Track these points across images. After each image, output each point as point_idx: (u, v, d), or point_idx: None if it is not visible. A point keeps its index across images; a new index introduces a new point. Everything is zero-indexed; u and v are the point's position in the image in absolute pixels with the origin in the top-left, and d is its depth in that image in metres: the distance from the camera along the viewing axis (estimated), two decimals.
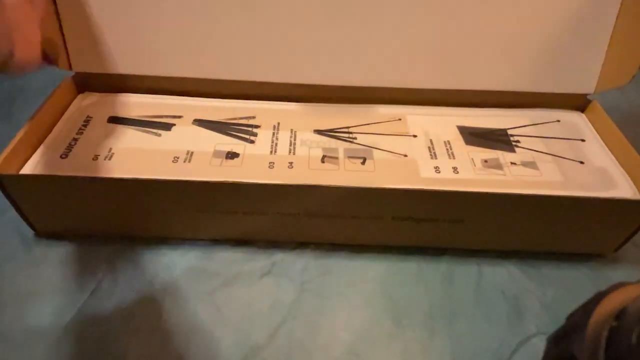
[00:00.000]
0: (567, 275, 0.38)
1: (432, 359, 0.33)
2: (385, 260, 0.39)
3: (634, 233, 0.37)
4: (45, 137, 0.38)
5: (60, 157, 0.36)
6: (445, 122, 0.41)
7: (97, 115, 0.40)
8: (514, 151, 0.38)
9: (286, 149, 0.37)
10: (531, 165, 0.37)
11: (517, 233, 0.38)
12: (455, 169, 0.36)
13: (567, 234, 0.38)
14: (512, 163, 0.37)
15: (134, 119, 0.40)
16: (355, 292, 0.37)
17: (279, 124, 0.40)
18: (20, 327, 0.33)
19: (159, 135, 0.38)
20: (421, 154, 0.38)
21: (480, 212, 0.36)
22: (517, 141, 0.39)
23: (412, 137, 0.39)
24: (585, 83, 0.43)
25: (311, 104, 0.42)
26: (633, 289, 0.23)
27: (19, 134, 0.35)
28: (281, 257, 0.38)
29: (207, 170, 0.35)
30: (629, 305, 0.21)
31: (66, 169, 0.35)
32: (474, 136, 0.40)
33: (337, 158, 0.37)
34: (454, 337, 0.34)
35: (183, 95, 0.42)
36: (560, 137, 0.40)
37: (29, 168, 0.35)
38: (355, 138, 0.39)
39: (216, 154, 0.37)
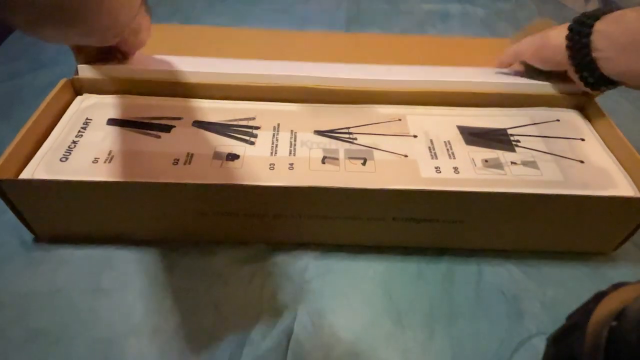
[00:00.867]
0: (567, 275, 0.38)
1: (432, 359, 0.33)
2: (386, 260, 0.39)
3: (634, 232, 0.37)
4: (45, 139, 0.37)
5: (60, 160, 0.36)
6: (445, 122, 0.41)
7: (96, 117, 0.40)
8: (514, 151, 0.38)
9: (286, 150, 0.37)
10: (531, 164, 0.37)
11: (517, 233, 0.38)
12: (455, 169, 0.36)
13: (567, 233, 0.38)
14: (512, 163, 0.37)
15: (133, 121, 0.40)
16: (355, 292, 0.37)
17: (279, 124, 0.40)
18: (20, 327, 0.33)
19: (159, 137, 0.38)
20: (422, 154, 0.38)
21: (481, 212, 0.36)
22: (517, 141, 0.39)
23: (412, 138, 0.39)
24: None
25: (311, 105, 0.42)
26: (633, 289, 0.23)
27: (18, 137, 0.35)
28: (281, 258, 0.38)
29: (207, 173, 0.35)
30: (629, 305, 0.21)
31: (66, 173, 0.35)
32: (474, 136, 0.40)
33: (337, 159, 0.37)
34: (454, 337, 0.34)
35: (183, 97, 0.42)
36: (560, 136, 0.40)
37: (29, 172, 0.35)
38: (356, 139, 0.39)
39: (216, 155, 0.37)
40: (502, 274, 0.38)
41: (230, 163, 0.36)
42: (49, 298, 0.35)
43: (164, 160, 0.36)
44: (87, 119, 0.40)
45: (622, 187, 0.36)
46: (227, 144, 0.38)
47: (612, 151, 0.39)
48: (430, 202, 0.35)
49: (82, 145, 0.37)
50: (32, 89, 0.52)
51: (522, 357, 0.33)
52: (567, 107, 0.44)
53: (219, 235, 0.39)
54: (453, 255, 0.39)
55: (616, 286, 0.24)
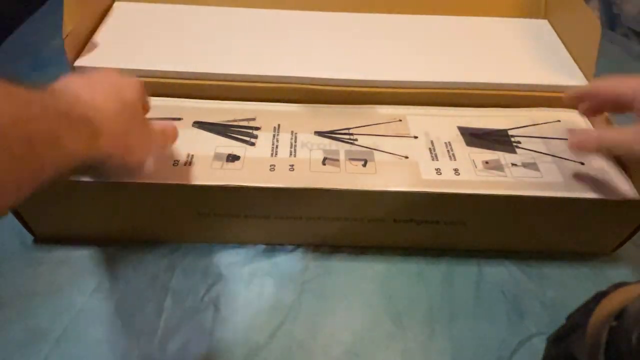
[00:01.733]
0: (567, 275, 0.39)
1: (432, 359, 0.33)
2: (386, 261, 0.39)
3: (634, 233, 0.37)
4: None
5: None
6: (445, 123, 0.41)
7: None
8: (514, 152, 0.38)
9: (287, 151, 0.37)
10: (532, 166, 0.37)
11: (517, 233, 0.38)
12: (456, 171, 0.36)
13: (568, 234, 0.38)
14: (512, 164, 0.37)
15: None
16: (355, 293, 0.37)
17: (279, 125, 0.40)
18: (20, 327, 0.33)
19: None
20: (422, 155, 0.38)
21: (482, 214, 0.36)
22: (518, 142, 0.39)
23: (412, 139, 0.39)
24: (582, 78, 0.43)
25: (311, 105, 0.42)
26: (633, 289, 0.23)
27: None
28: (282, 258, 0.38)
29: (208, 174, 0.35)
30: (629, 305, 0.21)
31: None
32: (475, 137, 0.40)
33: (338, 160, 0.37)
34: (454, 337, 0.34)
35: (183, 98, 0.42)
36: (561, 137, 0.40)
37: None
38: (356, 140, 0.39)
39: (217, 156, 0.37)
40: (502, 274, 0.38)
41: (231, 164, 0.36)
42: (49, 298, 0.35)
43: (164, 161, 0.36)
44: None
45: (622, 188, 0.36)
46: (228, 145, 0.38)
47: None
48: (431, 205, 0.35)
49: None
50: None
51: (522, 357, 0.33)
52: (568, 107, 0.44)
53: (219, 235, 0.39)
54: (453, 255, 0.39)
55: (616, 286, 0.24)
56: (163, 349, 0.33)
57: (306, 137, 0.39)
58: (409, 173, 0.36)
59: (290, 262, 0.38)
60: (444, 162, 0.37)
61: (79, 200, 0.35)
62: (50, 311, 0.34)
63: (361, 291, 0.37)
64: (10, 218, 0.36)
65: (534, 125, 0.41)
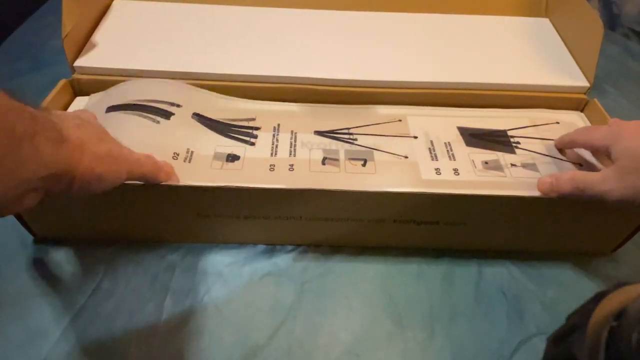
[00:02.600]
0: (567, 275, 0.39)
1: (432, 359, 0.33)
2: (385, 261, 0.39)
3: (634, 233, 0.37)
4: None
5: None
6: (445, 123, 0.41)
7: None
8: (514, 152, 0.38)
9: (287, 151, 0.37)
10: (531, 167, 0.37)
11: (517, 234, 0.38)
12: (455, 171, 0.36)
13: (567, 234, 0.38)
14: (512, 164, 0.37)
15: (132, 104, 0.38)
16: (355, 293, 0.37)
17: (279, 125, 0.40)
18: (20, 327, 0.33)
19: (158, 122, 0.37)
20: (422, 155, 0.38)
21: (482, 215, 0.36)
22: (517, 142, 0.39)
23: (412, 138, 0.39)
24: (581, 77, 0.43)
25: (311, 105, 0.42)
26: (633, 289, 0.23)
27: None
28: (282, 258, 0.38)
29: (207, 173, 0.35)
30: (629, 305, 0.21)
31: None
32: (474, 137, 0.40)
33: (337, 160, 0.37)
34: (454, 337, 0.34)
35: None
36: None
37: None
38: (356, 139, 0.39)
39: (217, 156, 0.36)
40: (502, 274, 0.38)
41: (231, 164, 0.36)
42: (49, 298, 0.35)
43: (164, 153, 0.35)
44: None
45: None
46: (228, 145, 0.38)
47: None
48: (431, 205, 0.35)
49: None
50: (32, 89, 0.52)
51: (522, 357, 0.33)
52: (568, 108, 0.44)
53: (219, 235, 0.39)
54: (453, 255, 0.39)
55: (616, 286, 0.24)
56: (163, 349, 0.33)
57: (306, 137, 0.39)
58: (409, 173, 0.36)
59: (290, 262, 0.38)
60: (444, 162, 0.37)
61: (79, 200, 0.35)
62: (50, 311, 0.34)
63: (361, 291, 0.37)
64: (10, 218, 0.36)
65: (534, 126, 0.41)
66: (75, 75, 0.42)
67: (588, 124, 0.42)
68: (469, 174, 0.36)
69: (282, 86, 0.42)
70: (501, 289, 0.37)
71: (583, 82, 0.43)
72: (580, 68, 0.44)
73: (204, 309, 0.35)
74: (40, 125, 0.23)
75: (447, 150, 0.38)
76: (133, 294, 0.35)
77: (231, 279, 0.37)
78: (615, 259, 0.40)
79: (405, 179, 0.36)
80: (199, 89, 0.42)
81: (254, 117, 0.41)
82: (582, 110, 0.44)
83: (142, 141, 0.35)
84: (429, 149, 0.38)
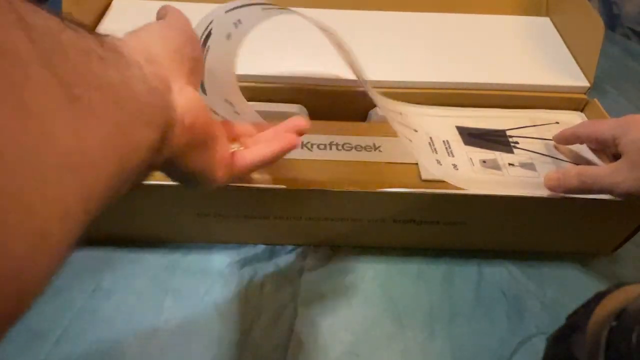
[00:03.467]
0: (567, 275, 0.39)
1: (432, 359, 0.33)
2: (386, 261, 0.39)
3: (633, 233, 0.37)
4: None
5: None
6: (444, 122, 0.41)
7: None
8: (512, 152, 0.38)
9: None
10: (529, 166, 0.37)
11: (517, 234, 0.38)
12: (455, 166, 0.36)
13: (567, 234, 0.38)
14: (510, 164, 0.37)
15: None
16: (355, 292, 0.37)
17: None
18: (21, 327, 0.33)
19: None
20: (421, 155, 0.38)
21: (482, 215, 0.36)
22: (516, 142, 0.39)
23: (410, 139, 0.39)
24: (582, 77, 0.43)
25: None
26: (633, 289, 0.23)
27: None
28: (282, 258, 0.38)
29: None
30: (629, 305, 0.21)
31: None
32: (473, 137, 0.40)
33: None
34: (454, 337, 0.34)
35: None
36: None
37: None
38: None
39: None
40: (502, 274, 0.38)
41: None
42: (49, 298, 0.35)
43: None
44: None
45: None
46: None
47: None
48: (430, 205, 0.35)
49: None
50: None
51: (522, 357, 0.33)
52: (568, 108, 0.44)
53: (219, 235, 0.39)
54: (453, 255, 0.39)
55: (616, 286, 0.24)
56: (163, 349, 0.33)
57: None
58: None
59: (290, 262, 0.38)
60: (442, 160, 0.37)
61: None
62: (50, 311, 0.34)
63: (361, 291, 0.37)
64: None
65: (533, 126, 0.41)
66: None
67: None
68: (468, 173, 0.36)
69: (283, 86, 0.42)
70: (501, 289, 0.37)
71: (583, 82, 0.43)
72: (581, 68, 0.44)
73: (204, 309, 0.35)
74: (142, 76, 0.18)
75: (446, 148, 0.38)
76: (133, 294, 0.35)
77: (231, 279, 0.37)
78: (615, 259, 0.40)
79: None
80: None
81: None
82: (582, 110, 0.44)
83: None
84: (428, 148, 0.38)
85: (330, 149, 0.37)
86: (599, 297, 0.23)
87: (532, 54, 0.46)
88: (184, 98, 0.20)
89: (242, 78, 0.42)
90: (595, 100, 0.42)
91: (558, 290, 0.37)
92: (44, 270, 0.13)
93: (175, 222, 0.37)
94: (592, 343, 0.21)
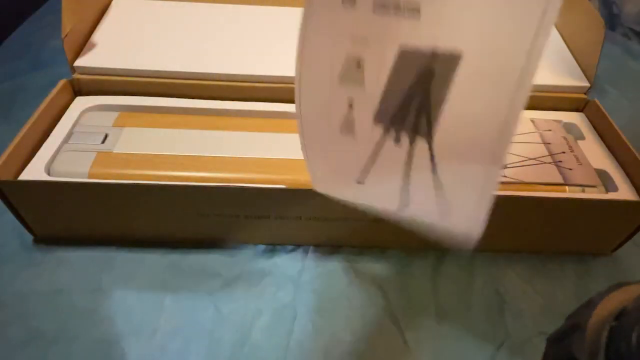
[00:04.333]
0: (567, 275, 0.39)
1: (432, 358, 0.33)
2: (386, 261, 0.39)
3: (634, 233, 0.37)
4: (44, 140, 0.37)
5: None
6: None
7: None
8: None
9: None
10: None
11: (517, 234, 0.38)
12: None
13: (567, 234, 0.38)
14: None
15: None
16: (355, 292, 0.37)
17: None
18: (20, 327, 0.33)
19: None
20: None
21: None
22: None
23: None
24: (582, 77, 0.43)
25: None
26: (633, 289, 0.23)
27: (17, 138, 0.35)
28: (282, 258, 0.38)
29: None
30: (629, 305, 0.21)
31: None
32: None
33: None
34: (453, 337, 0.34)
35: (185, 98, 0.42)
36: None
37: (28, 173, 0.35)
38: None
39: None
40: (502, 274, 0.38)
41: None
42: (49, 298, 0.35)
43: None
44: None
45: (622, 189, 0.36)
46: None
47: (612, 152, 0.39)
48: None
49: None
50: (32, 89, 0.52)
51: (522, 357, 0.33)
52: (568, 107, 0.44)
53: (220, 235, 0.39)
54: (453, 255, 0.39)
55: (616, 286, 0.24)
56: (163, 349, 0.33)
57: None
58: None
59: (290, 262, 0.38)
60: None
61: (79, 200, 0.35)
62: (50, 311, 0.34)
63: (361, 291, 0.37)
64: (10, 218, 0.36)
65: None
66: (75, 75, 0.42)
67: (588, 123, 0.42)
68: None
69: (284, 86, 0.42)
70: (501, 289, 0.37)
71: (583, 82, 0.43)
72: (581, 68, 0.44)
73: (204, 309, 0.35)
74: None
75: None
76: (133, 294, 0.35)
77: (231, 279, 0.37)
78: (616, 259, 0.40)
79: None
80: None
81: None
82: (582, 111, 0.44)
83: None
84: None
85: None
86: (599, 297, 0.23)
87: None
88: None
89: (241, 78, 0.42)
90: (596, 100, 0.42)
91: (558, 290, 0.37)
92: None
93: (175, 222, 0.37)
94: (592, 343, 0.21)
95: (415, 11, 0.20)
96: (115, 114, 0.40)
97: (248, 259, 0.38)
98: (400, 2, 0.20)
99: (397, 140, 0.23)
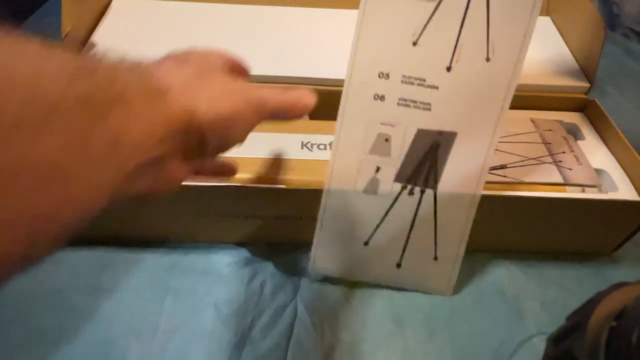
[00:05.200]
0: (567, 275, 0.38)
1: (432, 359, 0.33)
2: None
3: (634, 233, 0.37)
4: None
5: None
6: None
7: None
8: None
9: None
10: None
11: (517, 233, 0.38)
12: None
13: (567, 234, 0.38)
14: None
15: None
16: (355, 292, 0.37)
17: None
18: (20, 327, 0.33)
19: None
20: None
21: (481, 214, 0.36)
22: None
23: None
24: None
25: None
26: (633, 289, 0.23)
27: None
28: (282, 258, 0.38)
29: None
30: (629, 305, 0.21)
31: None
32: None
33: None
34: (453, 337, 0.34)
35: None
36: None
37: None
38: None
39: None
40: (502, 274, 0.38)
41: None
42: (49, 298, 0.35)
43: None
44: None
45: (622, 189, 0.36)
46: None
47: (612, 152, 0.39)
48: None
49: None
50: None
51: (522, 357, 0.33)
52: (568, 108, 0.44)
53: (219, 235, 0.38)
54: None
55: (616, 286, 0.24)
56: (163, 349, 0.33)
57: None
58: None
59: (290, 262, 0.38)
60: None
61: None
62: (50, 311, 0.34)
63: (361, 291, 0.37)
64: None
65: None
66: None
67: (588, 123, 0.42)
68: None
69: (284, 86, 0.42)
70: (501, 289, 0.37)
71: (583, 82, 0.43)
72: (581, 68, 0.44)
73: (204, 309, 0.35)
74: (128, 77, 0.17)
75: None
76: (133, 294, 0.35)
77: (231, 279, 0.37)
78: (616, 259, 0.40)
79: None
80: None
81: None
82: (582, 111, 0.44)
83: None
84: None
85: (331, 149, 0.37)
86: (599, 297, 0.23)
87: (533, 53, 0.46)
88: None
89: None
90: (596, 100, 0.42)
91: (558, 290, 0.37)
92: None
93: (175, 222, 0.37)
94: (592, 343, 0.21)
95: (428, 105, 0.31)
96: None
97: (248, 259, 0.38)
98: (417, 100, 0.31)
99: (411, 193, 0.33)
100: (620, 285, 0.23)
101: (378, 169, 0.32)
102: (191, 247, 0.39)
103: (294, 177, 0.35)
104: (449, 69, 0.30)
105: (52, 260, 0.38)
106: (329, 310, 0.35)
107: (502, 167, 0.37)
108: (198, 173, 0.25)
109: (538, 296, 0.37)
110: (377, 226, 0.33)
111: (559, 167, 0.37)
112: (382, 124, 0.31)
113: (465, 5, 0.29)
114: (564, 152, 0.39)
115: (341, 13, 0.50)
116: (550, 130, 0.41)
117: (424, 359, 0.33)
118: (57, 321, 0.34)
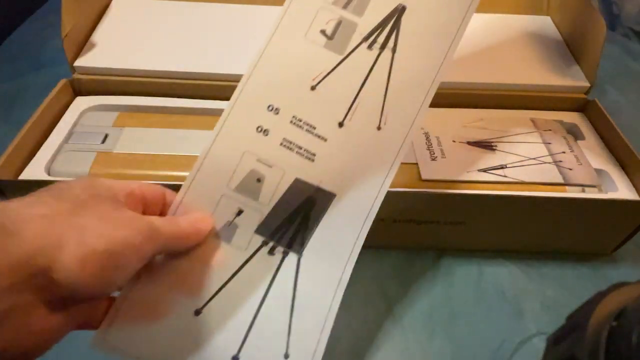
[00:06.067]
0: (567, 275, 0.38)
1: (432, 359, 0.33)
2: (386, 261, 0.39)
3: (634, 233, 0.37)
4: (44, 140, 0.37)
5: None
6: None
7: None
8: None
9: None
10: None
11: (517, 233, 0.38)
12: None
13: (567, 234, 0.38)
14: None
15: None
16: (355, 292, 0.37)
17: None
18: None
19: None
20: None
21: (482, 215, 0.36)
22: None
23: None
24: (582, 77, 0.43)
25: None
26: (633, 289, 0.23)
27: (18, 137, 0.35)
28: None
29: None
30: (629, 305, 0.21)
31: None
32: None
33: None
34: (454, 337, 0.34)
35: (184, 98, 0.42)
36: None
37: (28, 173, 0.35)
38: None
39: None
40: (502, 274, 0.38)
41: None
42: None
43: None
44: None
45: (622, 189, 0.36)
46: None
47: (612, 152, 0.39)
48: (430, 205, 0.35)
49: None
50: (32, 89, 0.52)
51: (522, 357, 0.33)
52: (568, 108, 0.44)
53: None
54: (453, 255, 0.39)
55: (616, 286, 0.24)
56: None
57: None
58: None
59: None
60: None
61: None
62: None
63: (361, 291, 0.37)
64: None
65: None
66: (76, 75, 0.42)
67: (588, 123, 0.42)
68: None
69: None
70: (501, 289, 0.37)
71: (583, 82, 0.43)
72: (581, 68, 0.44)
73: None
74: None
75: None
76: None
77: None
78: (616, 259, 0.40)
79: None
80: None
81: None
82: (582, 111, 0.44)
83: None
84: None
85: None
86: (599, 297, 0.23)
87: (533, 53, 0.46)
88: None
89: (235, 77, 0.42)
90: (596, 100, 0.42)
91: (558, 290, 0.37)
92: None
93: None
94: (592, 343, 0.21)
95: (312, 155, 0.27)
96: (115, 114, 0.40)
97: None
98: (303, 147, 0.27)
99: (272, 252, 0.27)
100: (620, 285, 0.23)
101: (240, 212, 0.26)
102: None
103: None
104: (341, 124, 0.27)
105: None
106: None
107: (502, 167, 0.37)
108: (87, 323, 0.23)
109: (538, 296, 0.37)
110: (219, 290, 0.26)
111: (559, 167, 0.37)
112: (259, 160, 0.26)
113: (370, 66, 0.27)
114: (564, 152, 0.39)
115: None
116: (550, 130, 0.41)
117: (424, 359, 0.33)
118: None
